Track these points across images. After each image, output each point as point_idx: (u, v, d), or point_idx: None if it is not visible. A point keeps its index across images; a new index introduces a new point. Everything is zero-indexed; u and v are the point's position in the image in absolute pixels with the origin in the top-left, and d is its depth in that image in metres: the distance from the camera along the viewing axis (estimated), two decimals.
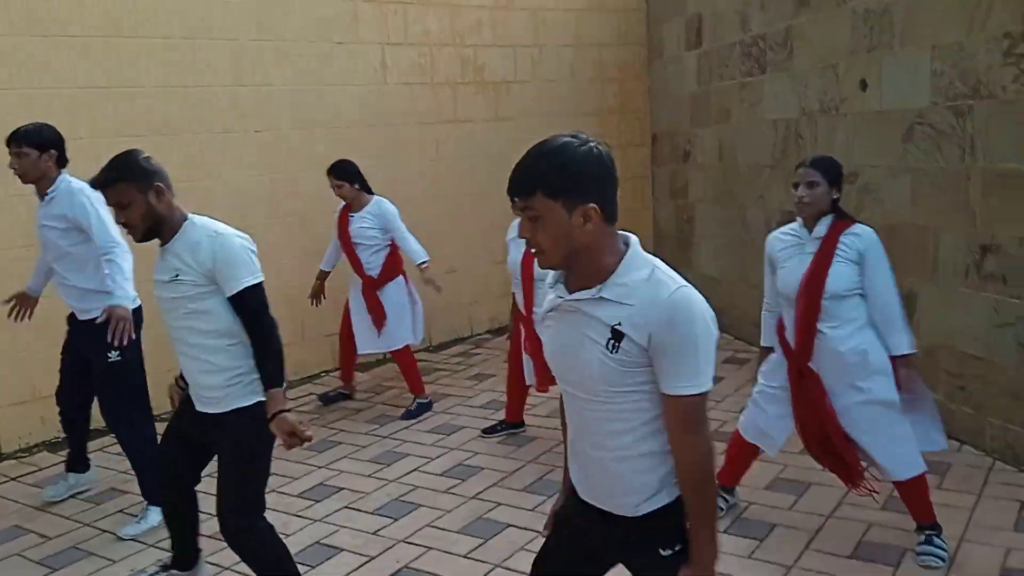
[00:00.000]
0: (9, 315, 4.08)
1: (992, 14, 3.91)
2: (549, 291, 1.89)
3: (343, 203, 5.17)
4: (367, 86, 6.29)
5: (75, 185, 3.70)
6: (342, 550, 3.48)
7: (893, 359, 3.19)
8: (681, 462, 1.77)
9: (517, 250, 4.28)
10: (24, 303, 4.08)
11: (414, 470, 4.28)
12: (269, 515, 2.92)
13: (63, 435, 4.43)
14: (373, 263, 5.11)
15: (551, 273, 1.89)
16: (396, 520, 3.72)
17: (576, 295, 1.77)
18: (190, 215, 2.81)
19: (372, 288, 5.11)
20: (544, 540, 2.14)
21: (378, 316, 5.10)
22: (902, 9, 4.49)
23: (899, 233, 4.55)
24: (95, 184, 2.74)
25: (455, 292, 6.82)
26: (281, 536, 2.96)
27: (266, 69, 5.78)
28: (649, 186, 7.84)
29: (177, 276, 2.70)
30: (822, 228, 3.19)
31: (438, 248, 6.40)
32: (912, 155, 4.50)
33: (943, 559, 3.14)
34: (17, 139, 3.69)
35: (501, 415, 4.91)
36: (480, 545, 3.45)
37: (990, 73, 3.96)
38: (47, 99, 4.88)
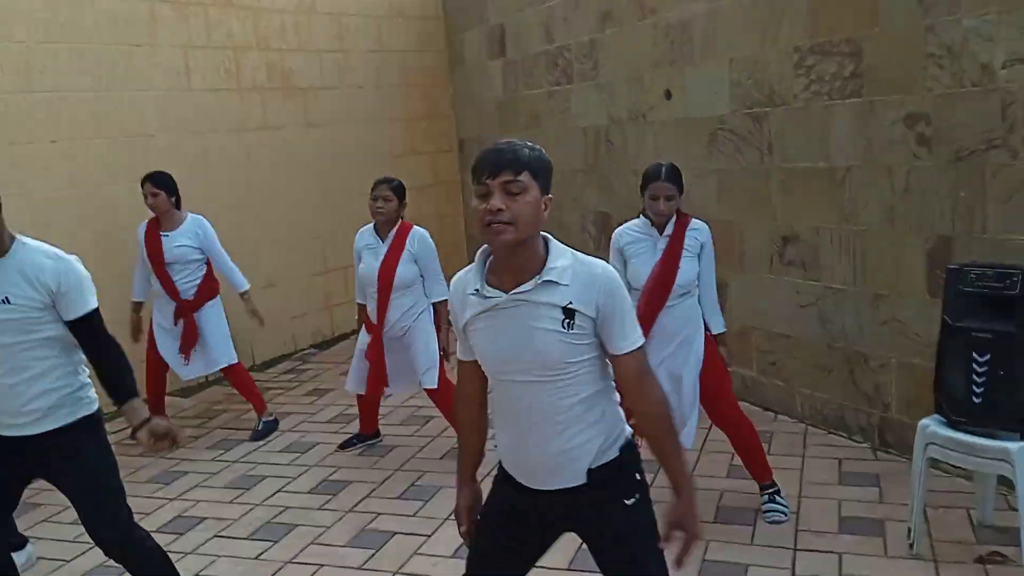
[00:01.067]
0: None
1: (783, 30, 4.48)
2: (469, 299, 2.00)
3: (148, 219, 4.82)
4: (169, 91, 5.93)
5: None
6: None
7: (711, 337, 3.65)
8: (646, 411, 2.01)
9: (374, 258, 4.24)
10: None
11: (278, 491, 4.14)
12: None
13: None
14: (189, 285, 4.79)
15: (466, 284, 2.03)
16: (276, 542, 3.61)
17: (520, 288, 1.93)
18: (18, 235, 2.61)
19: (189, 311, 4.80)
20: (473, 539, 2.19)
21: (191, 341, 4.81)
22: (701, 25, 5.00)
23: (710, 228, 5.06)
24: None
25: (276, 307, 6.58)
26: None
27: (59, 73, 5.27)
28: (459, 191, 8.02)
29: (6, 300, 2.52)
30: (670, 227, 3.54)
31: (255, 262, 6.15)
32: (716, 157, 5.02)
33: (786, 514, 3.60)
34: None
35: (350, 429, 4.86)
36: (372, 556, 3.44)
37: (783, 83, 4.53)
38: None
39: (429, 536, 3.51)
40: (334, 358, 6.55)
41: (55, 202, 5.23)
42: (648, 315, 3.50)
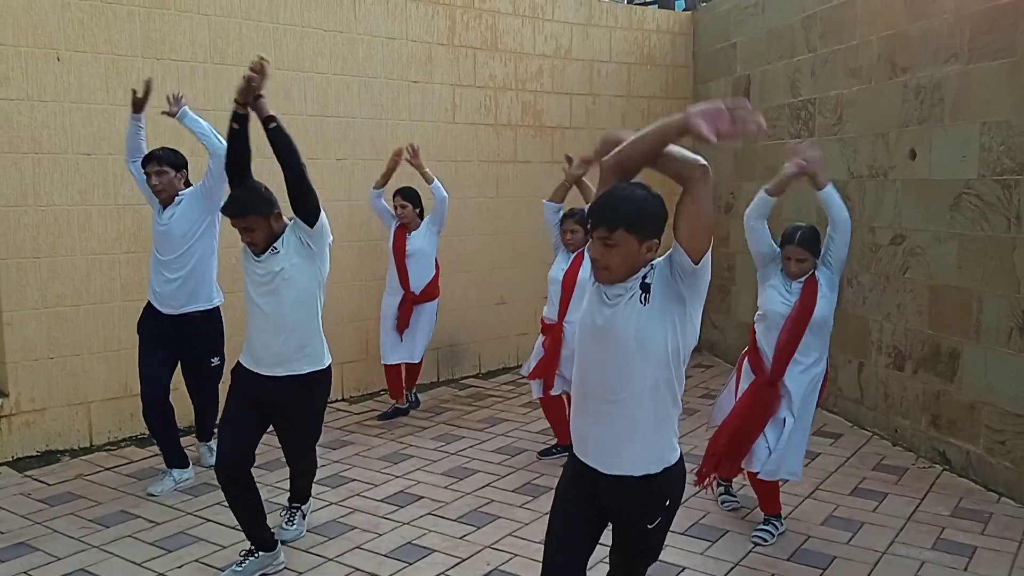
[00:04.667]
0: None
1: None
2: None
3: (398, 223, 5.68)
4: (437, 123, 6.68)
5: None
6: (434, 551, 3.77)
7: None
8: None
9: (564, 262, 4.86)
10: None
11: (487, 485, 4.57)
12: (357, 517, 3.67)
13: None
14: (421, 278, 5.63)
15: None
16: (479, 528, 4.02)
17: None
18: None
19: (411, 303, 5.62)
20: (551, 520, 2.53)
21: (403, 324, 5.63)
22: (953, 87, 4.89)
23: (944, 294, 4.91)
24: (225, 212, 3.45)
25: (503, 323, 7.17)
26: (371, 535, 3.53)
27: (350, 102, 6.17)
28: None
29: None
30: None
31: (491, 279, 6.86)
32: (959, 222, 4.85)
33: (768, 541, 3.87)
34: (158, 159, 4.25)
35: (554, 440, 5.22)
36: None
37: None
38: (155, 117, 5.24)
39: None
40: None
41: (329, 211, 6.05)
42: (786, 351, 3.79)
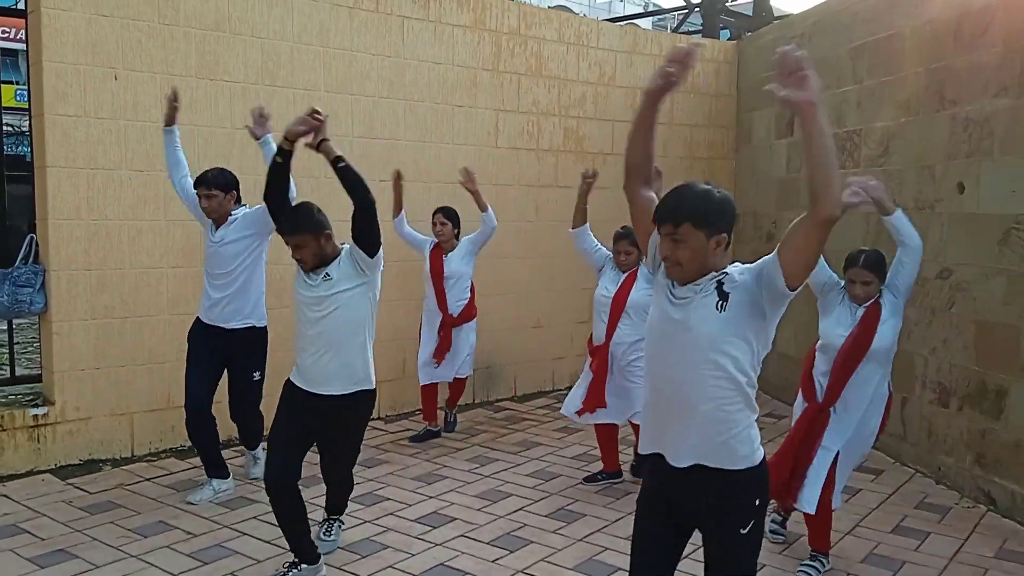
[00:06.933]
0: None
1: None
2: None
3: (433, 243, 5.70)
4: (480, 147, 6.75)
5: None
6: (465, 573, 3.75)
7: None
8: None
9: (613, 285, 4.80)
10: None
11: (520, 508, 4.55)
12: (390, 536, 3.79)
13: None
14: (458, 300, 5.63)
15: None
16: (512, 552, 4.00)
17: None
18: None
19: (450, 325, 5.61)
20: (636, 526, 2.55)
21: (444, 348, 5.61)
22: (1003, 120, 4.82)
23: (991, 330, 4.81)
24: (279, 229, 3.66)
25: (540, 347, 7.17)
26: (404, 554, 3.66)
27: (395, 124, 6.26)
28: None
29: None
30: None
31: (528, 302, 6.89)
32: (1007, 257, 4.77)
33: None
34: (207, 183, 4.36)
35: (592, 468, 5.18)
36: None
37: None
38: (208, 135, 5.39)
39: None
40: None
41: None
42: (838, 380, 3.71)
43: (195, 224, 4.87)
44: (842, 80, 6.42)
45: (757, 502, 2.40)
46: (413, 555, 3.87)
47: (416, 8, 6.32)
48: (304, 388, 3.59)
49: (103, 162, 5.09)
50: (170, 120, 4.56)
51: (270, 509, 4.27)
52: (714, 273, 2.33)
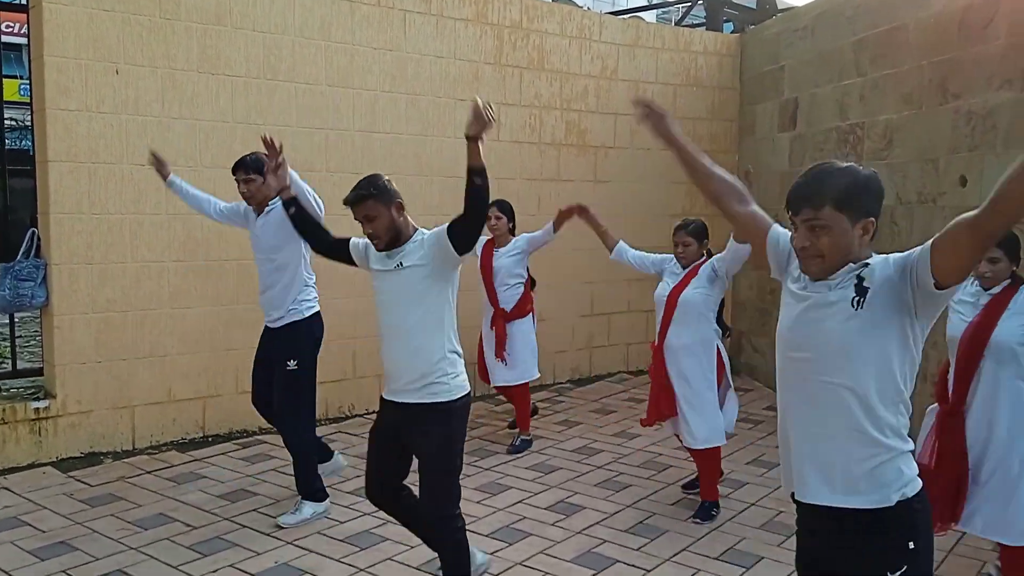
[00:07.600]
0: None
1: None
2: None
3: (485, 239, 5.49)
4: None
5: None
6: None
7: None
8: None
9: (672, 280, 4.48)
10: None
11: (519, 502, 4.56)
12: (389, 528, 3.69)
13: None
14: (509, 297, 5.48)
15: None
16: (511, 544, 4.01)
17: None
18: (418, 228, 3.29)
19: (503, 320, 5.46)
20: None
21: (501, 343, 5.44)
22: (1007, 114, 4.80)
23: None
24: (347, 201, 3.20)
25: (541, 340, 7.12)
26: (403, 547, 3.64)
27: (397, 118, 6.26)
28: None
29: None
30: (997, 288, 3.31)
31: None
32: None
33: None
34: (245, 167, 4.19)
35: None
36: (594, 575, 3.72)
37: None
38: (209, 130, 5.40)
39: (649, 571, 3.70)
40: (588, 396, 6.97)
41: None
42: (962, 377, 3.34)
43: (196, 218, 4.88)
44: (845, 73, 6.40)
45: (911, 544, 1.97)
46: (412, 547, 3.88)
47: (418, 2, 6.31)
48: (386, 397, 3.35)
49: (105, 156, 5.10)
50: (163, 175, 4.50)
51: (270, 502, 4.37)
52: (852, 265, 1.98)
